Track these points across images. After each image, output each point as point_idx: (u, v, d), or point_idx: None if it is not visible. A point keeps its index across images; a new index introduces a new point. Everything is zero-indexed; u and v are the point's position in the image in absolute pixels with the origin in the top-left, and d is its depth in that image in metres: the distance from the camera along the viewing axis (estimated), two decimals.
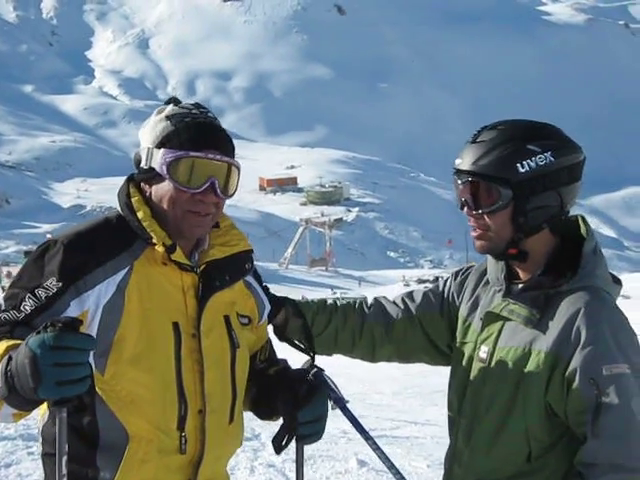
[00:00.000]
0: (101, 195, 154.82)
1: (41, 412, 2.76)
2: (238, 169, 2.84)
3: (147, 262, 2.76)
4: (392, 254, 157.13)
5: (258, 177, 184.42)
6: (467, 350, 3.04)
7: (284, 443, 2.92)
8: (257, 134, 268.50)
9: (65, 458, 2.44)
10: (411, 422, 11.39)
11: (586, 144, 2.99)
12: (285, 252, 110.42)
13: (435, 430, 10.37)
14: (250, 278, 3.04)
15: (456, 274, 3.28)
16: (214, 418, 2.80)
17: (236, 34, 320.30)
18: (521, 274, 2.98)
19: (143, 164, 2.81)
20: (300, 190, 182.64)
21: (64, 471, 2.44)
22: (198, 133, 2.76)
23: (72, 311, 2.60)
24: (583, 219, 2.98)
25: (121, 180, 2.88)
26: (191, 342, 2.77)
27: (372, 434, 3.20)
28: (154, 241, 2.73)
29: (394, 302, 3.35)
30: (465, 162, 2.89)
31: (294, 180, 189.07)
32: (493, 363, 2.91)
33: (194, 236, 2.84)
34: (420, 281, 75.34)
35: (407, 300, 3.32)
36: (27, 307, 2.60)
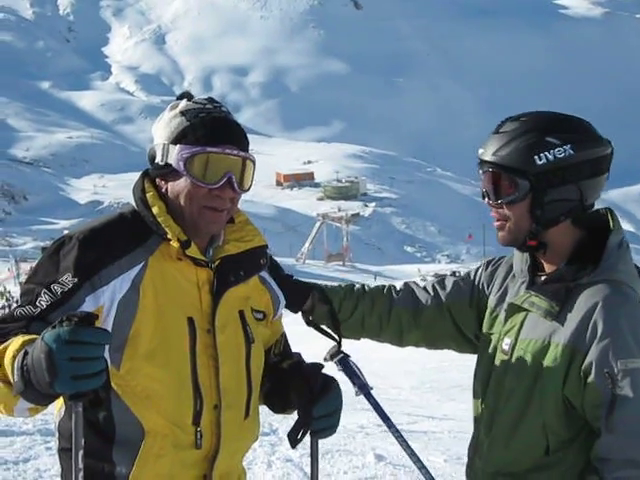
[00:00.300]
0: (118, 191, 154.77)
1: (57, 407, 2.77)
2: (253, 163, 2.84)
3: (162, 257, 2.76)
4: (409, 249, 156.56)
5: (275, 172, 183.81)
6: (492, 341, 3.04)
7: (299, 437, 2.92)
8: (274, 129, 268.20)
9: (81, 453, 2.44)
10: (428, 417, 11.35)
11: None
12: (302, 247, 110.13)
13: (452, 425, 10.35)
14: (265, 273, 3.04)
15: (487, 264, 3.28)
16: (230, 413, 2.80)
17: (252, 30, 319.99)
18: (545, 266, 2.97)
19: (158, 160, 2.81)
20: (317, 185, 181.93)
21: (80, 466, 2.44)
22: (214, 128, 2.77)
23: (87, 307, 2.60)
24: (611, 212, 2.96)
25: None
26: (206, 337, 2.77)
27: None
28: (169, 236, 2.73)
29: (424, 288, 3.35)
30: (486, 152, 2.90)
31: (311, 175, 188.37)
32: (514, 355, 2.91)
33: (210, 232, 2.84)
34: (437, 276, 74.99)
35: (437, 287, 3.33)
36: (43, 302, 2.61)
